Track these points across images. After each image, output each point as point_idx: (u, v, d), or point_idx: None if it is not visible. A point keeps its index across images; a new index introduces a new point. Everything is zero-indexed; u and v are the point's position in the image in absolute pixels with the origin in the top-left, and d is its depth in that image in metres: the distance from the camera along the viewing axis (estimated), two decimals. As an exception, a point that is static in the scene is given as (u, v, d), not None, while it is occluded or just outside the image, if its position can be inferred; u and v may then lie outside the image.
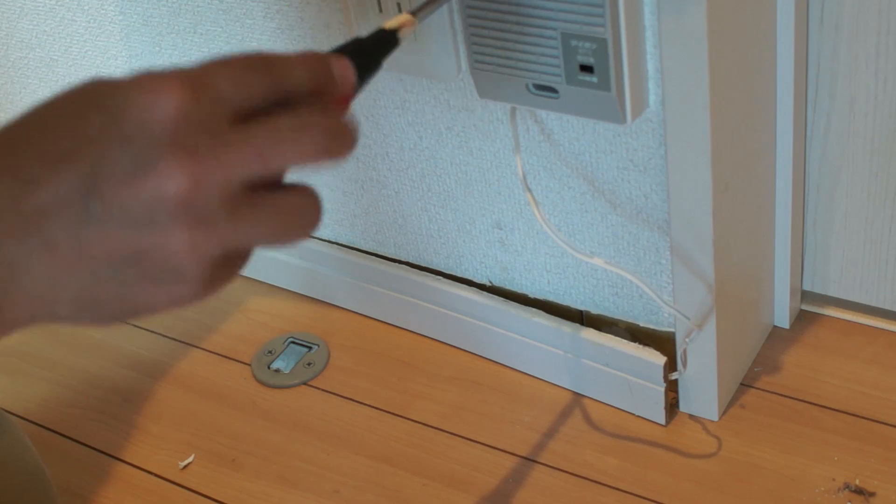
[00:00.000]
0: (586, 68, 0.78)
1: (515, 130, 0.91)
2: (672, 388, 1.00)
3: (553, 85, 0.81)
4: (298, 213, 0.41)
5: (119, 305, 0.41)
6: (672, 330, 0.97)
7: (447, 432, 1.04)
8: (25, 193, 0.38)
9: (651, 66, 0.81)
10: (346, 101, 0.47)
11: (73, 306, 0.40)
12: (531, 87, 0.82)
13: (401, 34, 0.58)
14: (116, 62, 1.19)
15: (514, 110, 0.90)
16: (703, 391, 0.99)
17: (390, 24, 0.58)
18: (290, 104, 0.42)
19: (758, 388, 1.03)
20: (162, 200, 0.38)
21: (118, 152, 0.38)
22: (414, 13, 0.61)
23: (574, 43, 0.77)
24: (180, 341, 1.20)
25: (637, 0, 0.77)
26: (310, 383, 1.12)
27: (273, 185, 0.41)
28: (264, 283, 1.27)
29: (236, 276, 0.43)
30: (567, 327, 1.02)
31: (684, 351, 0.96)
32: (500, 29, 0.80)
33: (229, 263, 0.41)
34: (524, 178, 0.94)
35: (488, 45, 0.82)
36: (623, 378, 1.00)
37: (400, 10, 0.86)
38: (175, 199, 0.38)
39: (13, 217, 0.38)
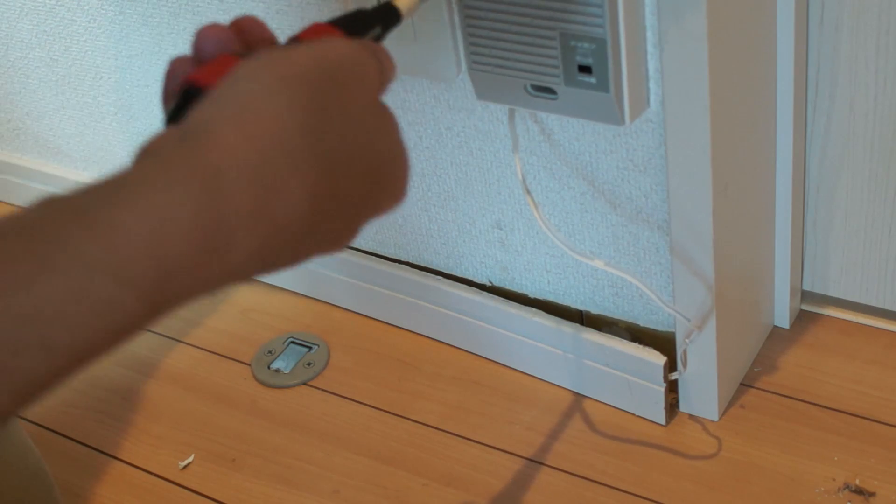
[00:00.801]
0: (585, 69, 0.78)
1: (514, 132, 0.91)
2: (672, 388, 1.00)
3: (551, 86, 0.81)
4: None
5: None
6: (672, 330, 0.97)
7: (447, 432, 1.04)
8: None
9: (651, 66, 0.81)
10: None
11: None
12: (529, 88, 0.82)
13: (403, 11, 0.57)
14: (116, 62, 1.19)
15: (512, 112, 0.90)
16: (703, 391, 0.99)
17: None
18: None
19: (758, 388, 1.03)
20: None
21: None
22: None
23: (573, 43, 0.77)
24: (180, 341, 1.20)
25: (636, 0, 0.77)
26: (310, 383, 1.12)
27: None
28: (264, 283, 1.27)
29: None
30: (567, 327, 1.02)
31: (684, 352, 0.96)
32: (499, 29, 0.80)
33: None
34: (524, 180, 0.94)
35: (487, 46, 0.82)
36: (623, 378, 1.00)
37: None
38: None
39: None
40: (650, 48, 0.80)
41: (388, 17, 0.56)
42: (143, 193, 0.36)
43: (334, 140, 0.41)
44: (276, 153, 0.38)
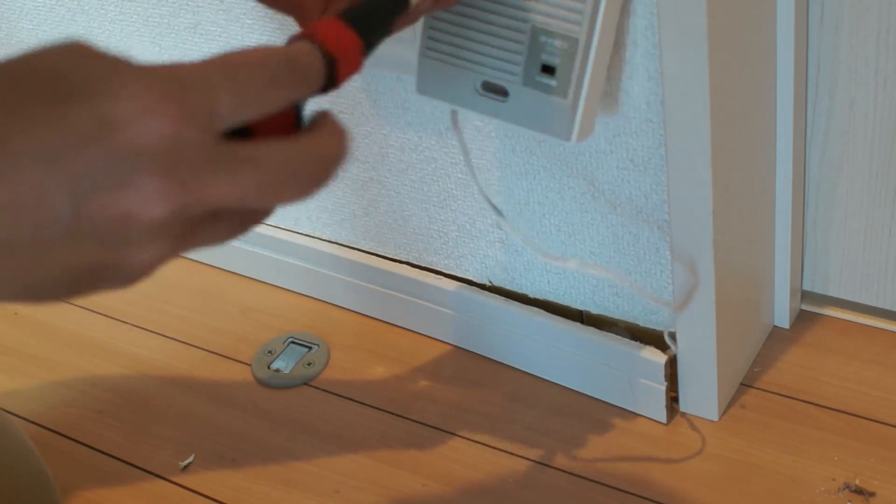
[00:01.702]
0: (548, 69, 0.74)
1: (461, 136, 0.88)
2: (672, 387, 1.00)
3: (506, 85, 0.77)
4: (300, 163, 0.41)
5: (64, 295, 0.39)
6: (672, 330, 0.97)
7: (447, 432, 1.04)
8: None
9: (651, 66, 0.81)
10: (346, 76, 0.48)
11: (13, 295, 0.38)
12: (479, 86, 0.78)
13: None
14: (116, 62, 1.19)
15: (455, 114, 0.86)
16: (703, 391, 0.99)
17: None
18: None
19: (758, 388, 1.03)
20: (137, 222, 0.36)
21: (101, 166, 0.36)
22: None
23: (543, 39, 0.74)
24: (180, 341, 1.20)
25: (615, 7, 0.76)
26: (310, 383, 1.12)
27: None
28: (264, 283, 1.27)
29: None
30: (567, 326, 1.02)
31: (672, 332, 0.95)
32: (466, 14, 0.77)
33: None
34: (478, 182, 0.93)
35: (446, 32, 0.78)
36: (624, 377, 1.00)
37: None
38: (150, 223, 0.37)
39: None
40: (650, 48, 0.80)
41: (397, 5, 0.56)
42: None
43: None
44: None
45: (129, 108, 0.36)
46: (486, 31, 0.76)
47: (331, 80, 0.46)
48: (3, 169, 0.35)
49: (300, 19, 0.60)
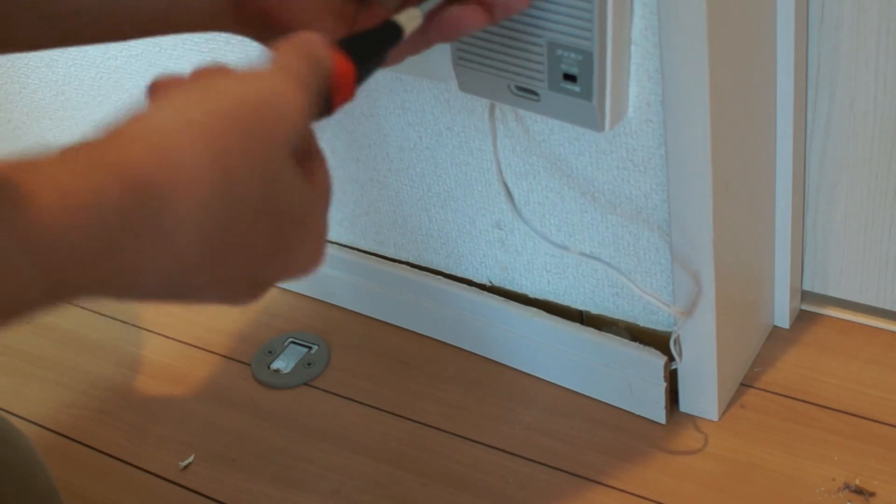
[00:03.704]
0: (570, 77, 0.78)
1: (494, 126, 0.91)
2: (672, 387, 1.00)
3: (535, 89, 0.81)
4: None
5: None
6: (672, 330, 0.97)
7: (447, 432, 1.04)
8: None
9: (651, 66, 0.81)
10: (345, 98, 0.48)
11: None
12: (513, 87, 0.82)
13: (406, 28, 0.57)
14: (116, 62, 1.19)
15: (493, 106, 0.90)
16: (702, 391, 0.99)
17: (398, 17, 0.58)
18: None
19: (758, 388, 1.03)
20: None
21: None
22: (421, 9, 0.60)
23: (559, 52, 0.77)
24: (181, 341, 1.20)
25: (625, 15, 0.77)
26: (310, 383, 1.12)
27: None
28: (264, 283, 1.27)
29: None
30: (567, 326, 1.02)
31: (678, 337, 0.95)
32: (487, 31, 0.80)
33: None
34: (500, 172, 0.94)
35: (473, 44, 0.82)
36: (623, 377, 1.00)
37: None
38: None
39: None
40: (650, 48, 0.80)
41: (390, 36, 0.56)
42: (60, 172, 0.37)
43: (236, 183, 0.41)
44: (170, 174, 0.39)
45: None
46: (508, 44, 0.79)
47: (325, 108, 0.47)
48: None
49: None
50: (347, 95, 0.49)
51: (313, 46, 0.47)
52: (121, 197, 0.38)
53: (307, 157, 0.46)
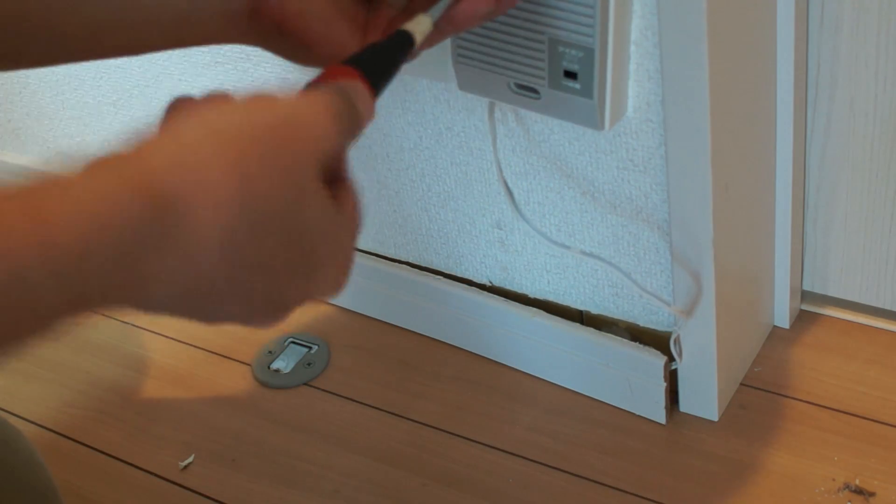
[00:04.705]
0: (570, 74, 0.78)
1: (494, 126, 0.91)
2: (672, 387, 1.00)
3: (535, 86, 0.81)
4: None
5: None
6: (672, 330, 0.97)
7: (447, 432, 1.04)
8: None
9: (651, 66, 0.81)
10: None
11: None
12: (513, 86, 0.82)
13: (417, 36, 0.57)
14: (116, 62, 1.19)
15: (492, 105, 0.90)
16: (702, 391, 0.99)
17: (408, 26, 0.57)
18: None
19: (758, 388, 1.03)
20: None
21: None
22: (431, 15, 0.60)
23: (561, 49, 0.77)
24: (181, 341, 1.20)
25: (626, 11, 0.77)
26: (310, 383, 1.12)
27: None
28: (264, 283, 1.27)
29: None
30: (567, 326, 1.02)
31: (678, 337, 0.95)
32: (488, 27, 0.80)
33: None
34: (500, 169, 0.94)
35: (473, 42, 0.82)
36: (623, 377, 1.00)
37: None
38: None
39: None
40: (650, 48, 0.80)
41: (402, 46, 0.56)
42: (81, 194, 0.37)
43: (260, 200, 0.41)
44: (193, 187, 0.39)
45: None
46: (509, 41, 0.80)
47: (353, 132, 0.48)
48: None
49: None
50: (369, 116, 0.49)
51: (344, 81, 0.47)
52: (142, 209, 0.38)
53: (337, 182, 0.46)
